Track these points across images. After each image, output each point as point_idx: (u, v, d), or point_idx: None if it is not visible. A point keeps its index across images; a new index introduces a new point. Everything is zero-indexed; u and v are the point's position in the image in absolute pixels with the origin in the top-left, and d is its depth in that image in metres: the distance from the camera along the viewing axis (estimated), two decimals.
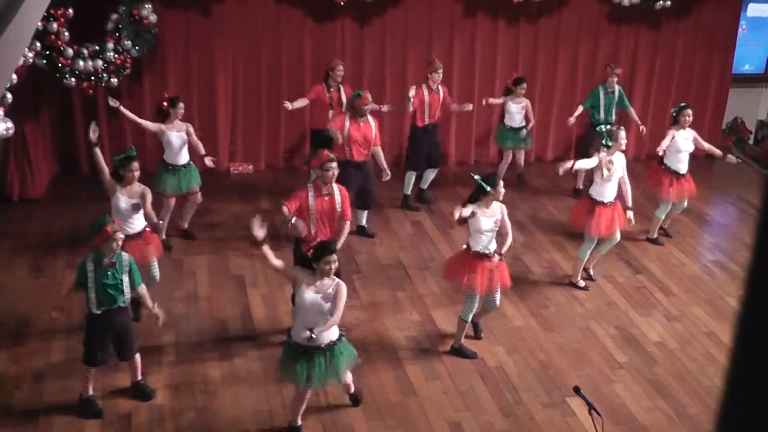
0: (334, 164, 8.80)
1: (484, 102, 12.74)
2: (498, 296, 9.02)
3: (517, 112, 12.98)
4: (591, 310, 10.11)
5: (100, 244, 7.63)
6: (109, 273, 7.66)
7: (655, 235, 11.92)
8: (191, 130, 10.83)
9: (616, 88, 12.91)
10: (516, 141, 13.14)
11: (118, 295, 7.72)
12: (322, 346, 7.43)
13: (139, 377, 8.26)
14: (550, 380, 8.72)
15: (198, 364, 8.65)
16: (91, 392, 8.05)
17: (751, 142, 15.54)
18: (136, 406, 8.07)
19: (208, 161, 10.95)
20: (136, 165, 8.91)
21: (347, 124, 10.90)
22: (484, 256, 8.72)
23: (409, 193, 12.64)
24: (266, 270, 10.58)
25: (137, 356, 8.17)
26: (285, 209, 8.70)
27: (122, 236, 7.77)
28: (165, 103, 10.72)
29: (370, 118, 11.05)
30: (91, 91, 11.88)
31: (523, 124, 13.07)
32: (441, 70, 12.15)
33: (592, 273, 10.81)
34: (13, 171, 12.07)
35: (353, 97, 11.07)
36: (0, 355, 8.69)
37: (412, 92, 11.95)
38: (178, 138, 10.65)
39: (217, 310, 9.74)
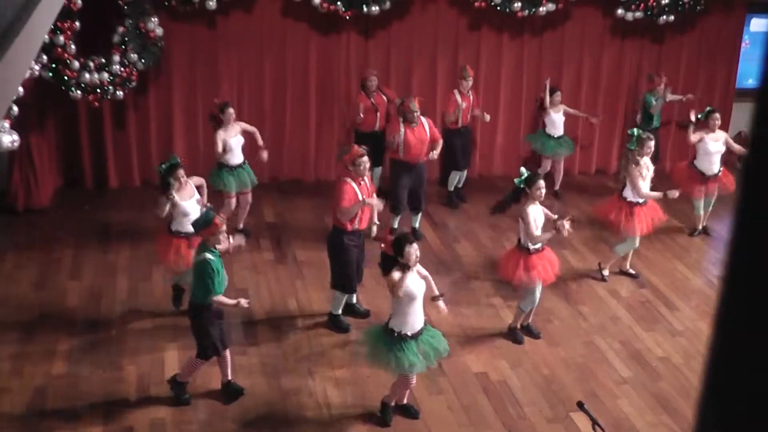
0: (365, 158, 9.22)
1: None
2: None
3: (558, 120, 13.26)
4: (595, 324, 10.09)
5: (209, 237, 7.91)
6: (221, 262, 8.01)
7: (700, 227, 12.53)
8: (243, 125, 11.41)
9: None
10: (558, 148, 13.40)
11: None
12: (421, 329, 7.89)
13: (230, 376, 8.47)
14: (554, 395, 8.70)
15: (200, 378, 8.63)
16: (189, 379, 8.32)
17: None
18: (138, 419, 8.06)
19: (264, 155, 11.49)
20: (181, 172, 9.23)
21: (402, 129, 11.31)
22: (537, 251, 9.26)
23: (452, 189, 13.16)
24: (270, 283, 10.61)
25: (228, 352, 8.36)
26: (365, 199, 9.18)
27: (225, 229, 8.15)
28: (215, 110, 11.10)
29: (422, 119, 11.44)
30: (96, 104, 11.92)
31: (562, 132, 13.35)
32: (471, 78, 12.58)
33: (632, 271, 11.25)
34: (18, 182, 12.10)
35: (399, 105, 11.53)
36: (3, 366, 8.69)
37: (462, 107, 12.51)
38: (236, 142, 11.16)
39: None
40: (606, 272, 11.05)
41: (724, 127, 15.14)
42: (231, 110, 11.09)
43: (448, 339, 9.54)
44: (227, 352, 8.34)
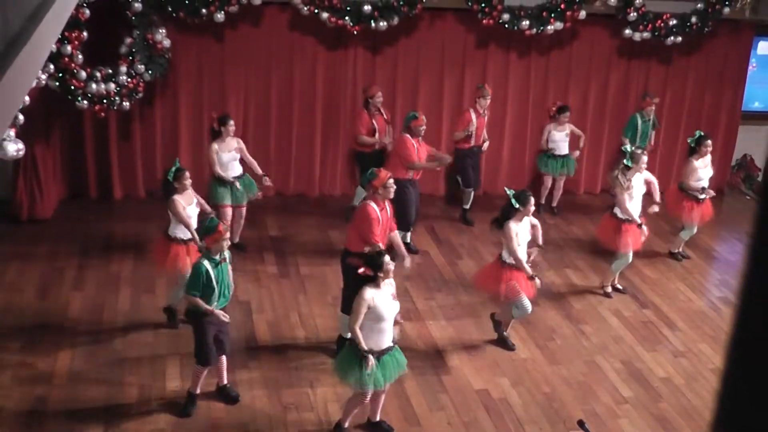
0: (392, 181, 9.22)
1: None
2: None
3: (561, 139, 13.30)
4: (597, 343, 10.08)
5: (212, 245, 7.95)
6: (223, 270, 8.02)
7: (677, 250, 12.41)
8: (242, 145, 11.31)
9: (652, 116, 13.41)
10: (560, 167, 13.47)
11: (228, 292, 8.11)
12: (388, 347, 7.81)
13: (225, 381, 8.54)
14: (555, 413, 8.68)
15: (202, 390, 8.62)
16: (198, 390, 8.34)
17: (759, 179, 15.53)
18: (138, 429, 8.04)
19: (267, 181, 11.42)
20: (187, 174, 9.36)
21: (414, 144, 11.35)
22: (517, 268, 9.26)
23: (468, 207, 13.10)
24: (272, 296, 10.60)
25: (224, 358, 8.42)
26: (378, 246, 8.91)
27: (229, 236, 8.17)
28: (215, 124, 11.05)
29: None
30: (102, 114, 11.93)
31: (567, 151, 13.38)
32: (489, 97, 12.61)
33: (620, 287, 11.30)
34: (23, 191, 12.11)
35: (408, 119, 11.46)
36: (5, 375, 8.69)
37: (472, 127, 12.50)
38: (229, 158, 11.07)
39: None
40: (609, 289, 11.12)
41: (730, 149, 15.20)
42: (232, 122, 11.09)
43: (448, 355, 9.58)
44: (222, 358, 8.40)
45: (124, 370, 8.91)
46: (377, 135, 12.24)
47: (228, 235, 8.11)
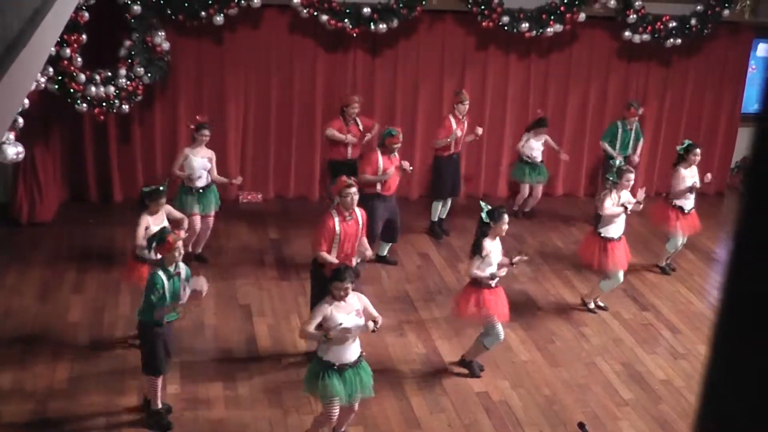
0: (353, 189, 9.02)
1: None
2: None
3: (538, 148, 13.20)
4: (597, 346, 10.07)
5: (165, 255, 7.82)
6: (175, 284, 7.87)
7: (664, 264, 12.17)
8: (213, 162, 11.09)
9: (635, 125, 13.19)
10: (536, 175, 13.36)
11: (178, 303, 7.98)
12: (351, 362, 7.60)
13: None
14: (555, 416, 8.67)
15: (202, 393, 8.62)
16: (160, 405, 8.18)
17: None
18: None
19: (236, 181, 11.44)
20: (163, 200, 9.23)
21: (380, 160, 11.06)
22: (489, 287, 8.98)
23: (436, 219, 12.84)
24: (273, 299, 10.60)
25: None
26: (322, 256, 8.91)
27: (182, 246, 8.02)
28: (192, 126, 10.96)
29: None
30: (102, 117, 11.92)
31: (541, 159, 13.28)
32: (467, 102, 12.33)
33: (601, 304, 11.01)
34: (23, 195, 12.11)
35: (385, 136, 11.17)
36: (4, 379, 8.68)
37: (458, 134, 12.22)
38: (199, 164, 10.87)
39: (222, 338, 9.73)
40: (592, 305, 10.88)
41: (730, 151, 15.20)
42: (206, 132, 10.88)
43: (448, 358, 9.58)
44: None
45: (125, 374, 8.90)
46: (349, 147, 12.07)
47: (180, 245, 7.91)
